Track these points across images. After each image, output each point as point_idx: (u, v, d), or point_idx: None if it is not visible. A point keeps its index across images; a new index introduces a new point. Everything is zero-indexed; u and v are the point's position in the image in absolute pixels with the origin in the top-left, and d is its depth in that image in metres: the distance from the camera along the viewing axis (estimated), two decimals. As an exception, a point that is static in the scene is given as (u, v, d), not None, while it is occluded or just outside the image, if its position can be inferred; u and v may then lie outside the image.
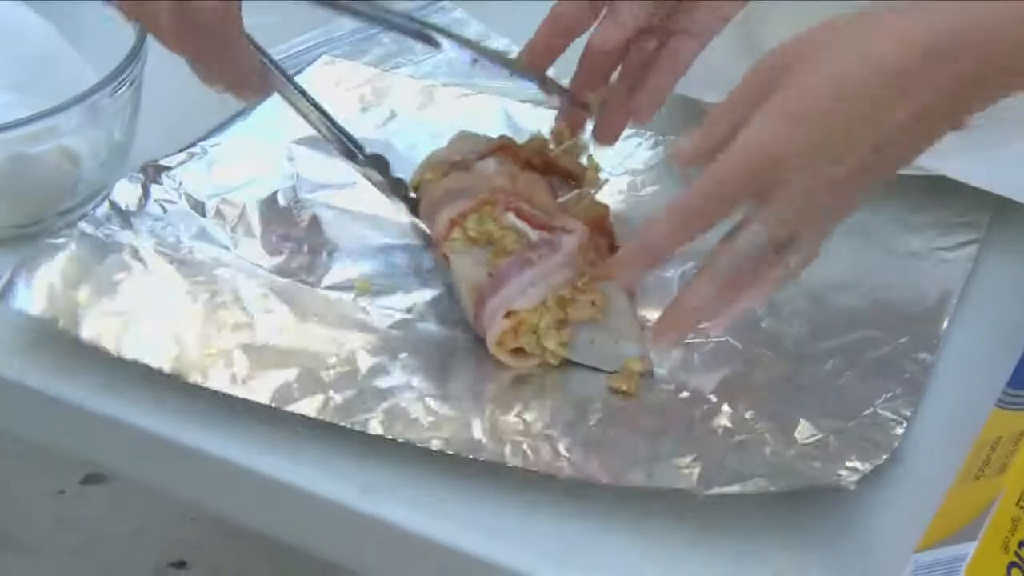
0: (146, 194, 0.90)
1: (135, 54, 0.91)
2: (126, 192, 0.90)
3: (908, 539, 0.68)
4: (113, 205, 0.89)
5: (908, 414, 0.76)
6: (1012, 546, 0.64)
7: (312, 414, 0.76)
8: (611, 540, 0.72)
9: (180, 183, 0.92)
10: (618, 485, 0.72)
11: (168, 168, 0.93)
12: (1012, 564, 0.63)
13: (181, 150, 0.95)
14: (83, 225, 0.87)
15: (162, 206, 0.90)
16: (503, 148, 0.89)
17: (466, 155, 0.89)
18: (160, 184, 0.92)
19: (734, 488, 0.71)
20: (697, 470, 0.72)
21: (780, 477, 0.71)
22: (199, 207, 0.91)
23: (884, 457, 0.72)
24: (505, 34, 1.09)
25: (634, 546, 0.72)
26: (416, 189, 0.91)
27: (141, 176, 0.91)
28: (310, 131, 0.96)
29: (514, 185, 0.86)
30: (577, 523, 0.73)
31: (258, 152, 0.96)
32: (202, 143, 0.96)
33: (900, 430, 0.75)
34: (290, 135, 0.97)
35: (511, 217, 0.83)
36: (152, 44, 0.91)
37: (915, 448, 0.75)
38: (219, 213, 0.91)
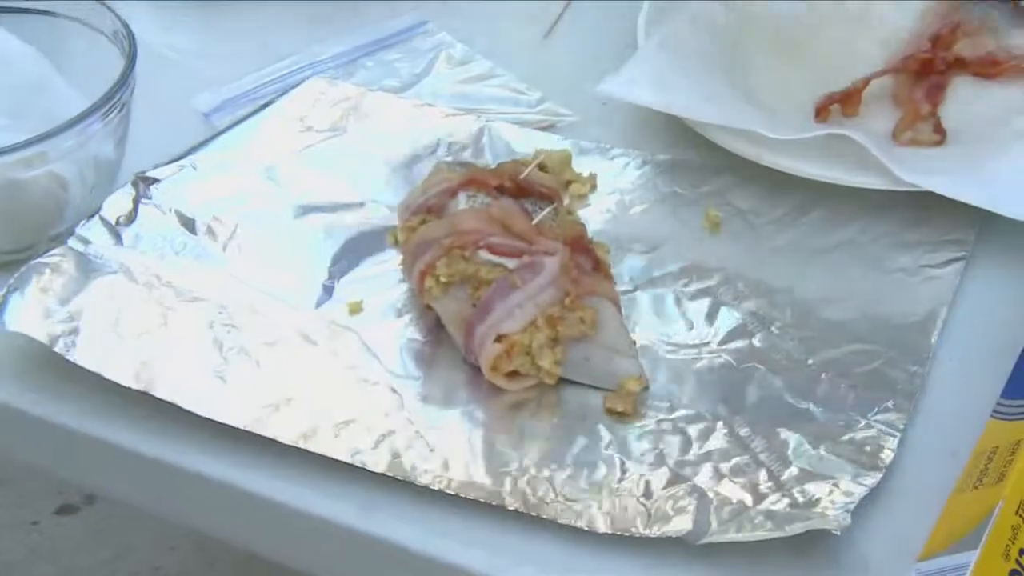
0: (136, 210, 0.91)
1: (124, 79, 0.91)
2: (116, 207, 0.91)
3: (907, 549, 0.69)
4: (104, 221, 0.89)
5: (902, 427, 0.76)
6: (1013, 554, 0.64)
7: (302, 443, 0.77)
8: (614, 557, 0.72)
9: (170, 198, 0.92)
10: (616, 534, 0.72)
11: (157, 180, 0.93)
12: (1014, 572, 0.64)
13: (170, 162, 0.95)
14: (73, 242, 0.87)
15: (152, 223, 0.91)
16: (472, 181, 0.89)
17: (439, 195, 0.89)
18: (150, 199, 0.92)
19: (728, 536, 0.71)
20: (693, 512, 0.72)
21: (772, 517, 0.71)
22: (189, 224, 0.91)
23: (878, 477, 0.73)
24: (489, 57, 1.09)
25: (637, 564, 0.72)
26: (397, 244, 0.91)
27: (132, 190, 0.92)
28: (297, 147, 0.98)
29: (489, 215, 0.86)
30: (579, 539, 0.73)
31: (246, 168, 0.96)
32: (190, 156, 0.96)
33: (894, 443, 0.75)
34: (277, 151, 0.98)
35: (484, 254, 0.83)
36: (141, 69, 0.92)
37: (910, 459, 0.76)
38: (210, 231, 0.91)
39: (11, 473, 1.94)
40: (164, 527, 1.88)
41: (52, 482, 1.94)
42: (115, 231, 0.89)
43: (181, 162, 0.95)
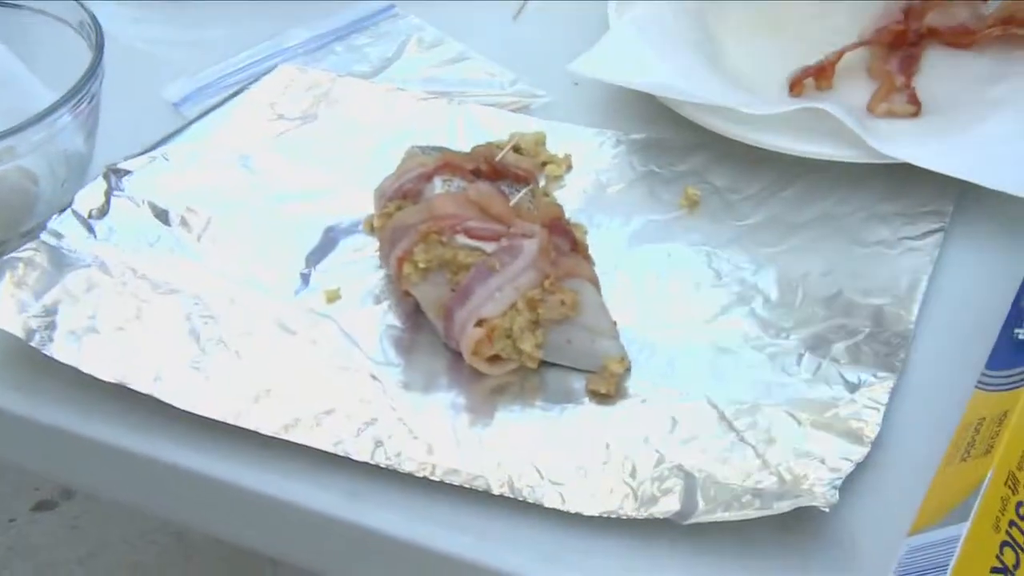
0: (108, 202, 0.90)
1: (92, 71, 0.90)
2: (88, 200, 0.90)
3: (895, 524, 0.69)
4: (76, 215, 0.88)
5: (886, 400, 0.76)
6: (1003, 525, 0.64)
7: (284, 434, 0.76)
8: (601, 540, 0.72)
9: (142, 189, 0.92)
10: (605, 516, 0.72)
11: (129, 172, 0.92)
12: (1004, 543, 0.64)
13: (141, 153, 0.94)
14: (46, 236, 0.86)
15: (125, 215, 0.90)
16: (447, 165, 0.88)
17: (415, 180, 0.88)
18: (122, 191, 0.91)
19: (716, 516, 0.70)
20: (680, 492, 0.72)
21: (759, 495, 0.71)
22: (163, 215, 0.90)
23: (864, 453, 0.73)
24: (460, 39, 1.08)
25: (625, 546, 0.72)
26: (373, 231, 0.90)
27: (104, 183, 0.91)
28: (269, 135, 0.97)
29: (466, 199, 0.85)
30: (566, 522, 0.72)
31: (218, 157, 0.96)
32: (162, 147, 0.95)
33: (878, 418, 0.75)
34: (249, 140, 0.97)
35: (462, 238, 0.83)
36: (108, 60, 0.91)
37: (895, 433, 0.76)
38: (184, 222, 0.90)
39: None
40: (142, 521, 1.88)
41: (28, 479, 1.93)
42: (88, 224, 0.88)
43: (152, 153, 0.94)
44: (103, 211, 0.89)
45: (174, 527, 1.85)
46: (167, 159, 0.94)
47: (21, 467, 0.89)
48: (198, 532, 1.71)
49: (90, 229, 0.88)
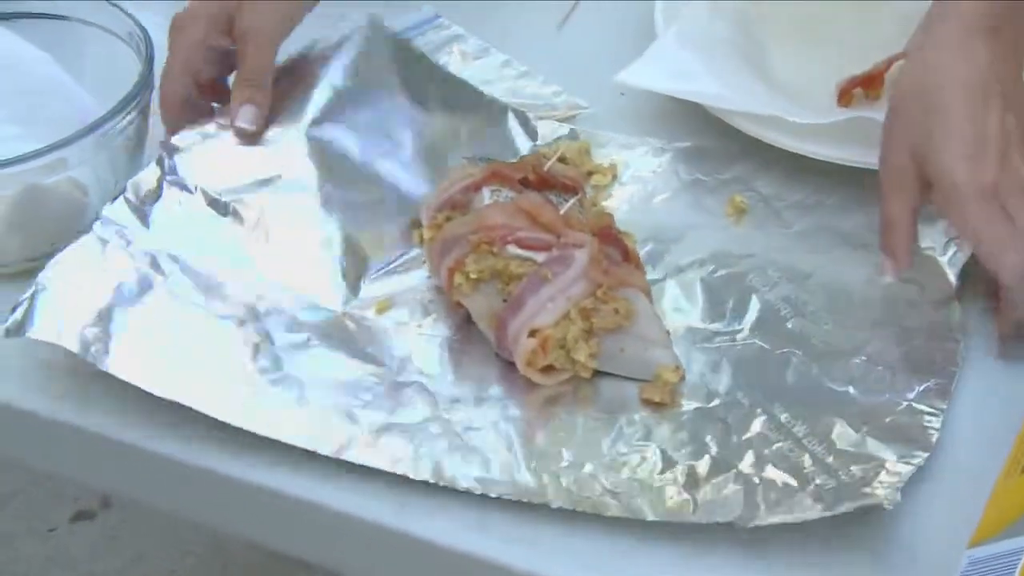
0: (160, 188, 0.88)
1: (142, 82, 0.90)
2: (140, 186, 0.87)
3: (956, 535, 0.69)
4: (128, 202, 0.86)
5: (943, 406, 0.76)
6: (1068, 538, 0.64)
7: (343, 455, 0.76)
8: (653, 551, 0.72)
9: (195, 173, 0.89)
10: (666, 521, 0.72)
11: (180, 149, 0.90)
12: (1069, 555, 0.63)
13: (193, 130, 0.91)
14: (98, 228, 0.84)
15: (178, 202, 0.87)
16: (495, 175, 0.88)
17: (463, 191, 0.88)
18: (176, 176, 0.88)
19: (778, 518, 0.70)
20: (740, 497, 0.72)
21: (820, 499, 0.71)
22: (216, 204, 0.88)
23: (925, 456, 0.73)
24: (503, 49, 1.08)
25: (677, 557, 0.72)
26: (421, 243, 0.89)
27: (157, 169, 0.88)
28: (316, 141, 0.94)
29: (517, 208, 0.85)
30: (618, 534, 0.72)
31: (272, 139, 0.93)
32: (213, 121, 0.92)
33: (937, 423, 0.75)
34: (304, 122, 0.94)
35: (513, 248, 0.83)
36: (157, 71, 0.91)
37: (953, 440, 0.75)
38: (236, 214, 0.88)
39: (27, 481, 1.94)
40: (179, 532, 1.88)
41: (68, 489, 1.93)
42: (140, 209, 0.86)
43: (203, 129, 0.91)
44: (155, 192, 0.87)
45: (211, 538, 1.85)
46: (219, 131, 0.91)
47: (70, 477, 0.89)
48: (234, 543, 1.71)
49: (142, 215, 0.86)
